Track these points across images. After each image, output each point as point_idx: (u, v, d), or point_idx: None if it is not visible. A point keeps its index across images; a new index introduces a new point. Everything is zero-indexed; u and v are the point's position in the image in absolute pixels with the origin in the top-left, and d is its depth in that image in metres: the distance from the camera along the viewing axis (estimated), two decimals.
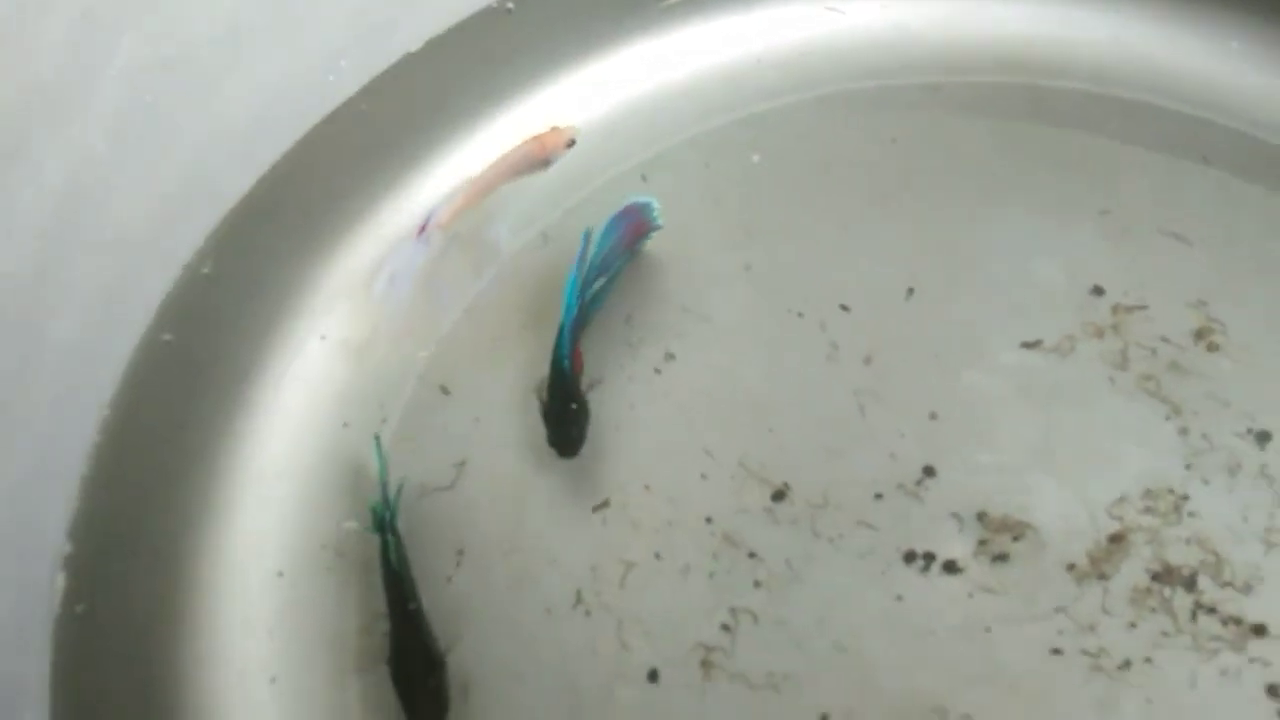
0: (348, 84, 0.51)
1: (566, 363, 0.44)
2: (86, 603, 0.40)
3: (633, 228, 0.48)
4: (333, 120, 0.52)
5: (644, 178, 0.52)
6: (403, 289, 0.49)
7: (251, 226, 0.48)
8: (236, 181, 0.48)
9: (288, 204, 0.49)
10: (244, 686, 0.41)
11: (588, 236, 0.46)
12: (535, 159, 0.50)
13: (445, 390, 0.47)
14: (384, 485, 0.42)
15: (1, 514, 0.39)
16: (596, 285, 0.46)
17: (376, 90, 0.52)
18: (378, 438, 0.44)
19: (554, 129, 0.51)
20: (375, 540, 0.42)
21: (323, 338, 0.47)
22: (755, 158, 0.52)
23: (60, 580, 0.41)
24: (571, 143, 0.50)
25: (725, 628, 0.42)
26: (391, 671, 0.40)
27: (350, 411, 0.46)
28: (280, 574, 0.43)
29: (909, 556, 0.43)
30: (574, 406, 0.45)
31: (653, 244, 0.49)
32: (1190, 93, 0.52)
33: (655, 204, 0.48)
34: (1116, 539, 0.42)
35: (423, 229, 0.49)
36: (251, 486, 0.44)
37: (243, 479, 0.44)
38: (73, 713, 0.38)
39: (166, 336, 0.45)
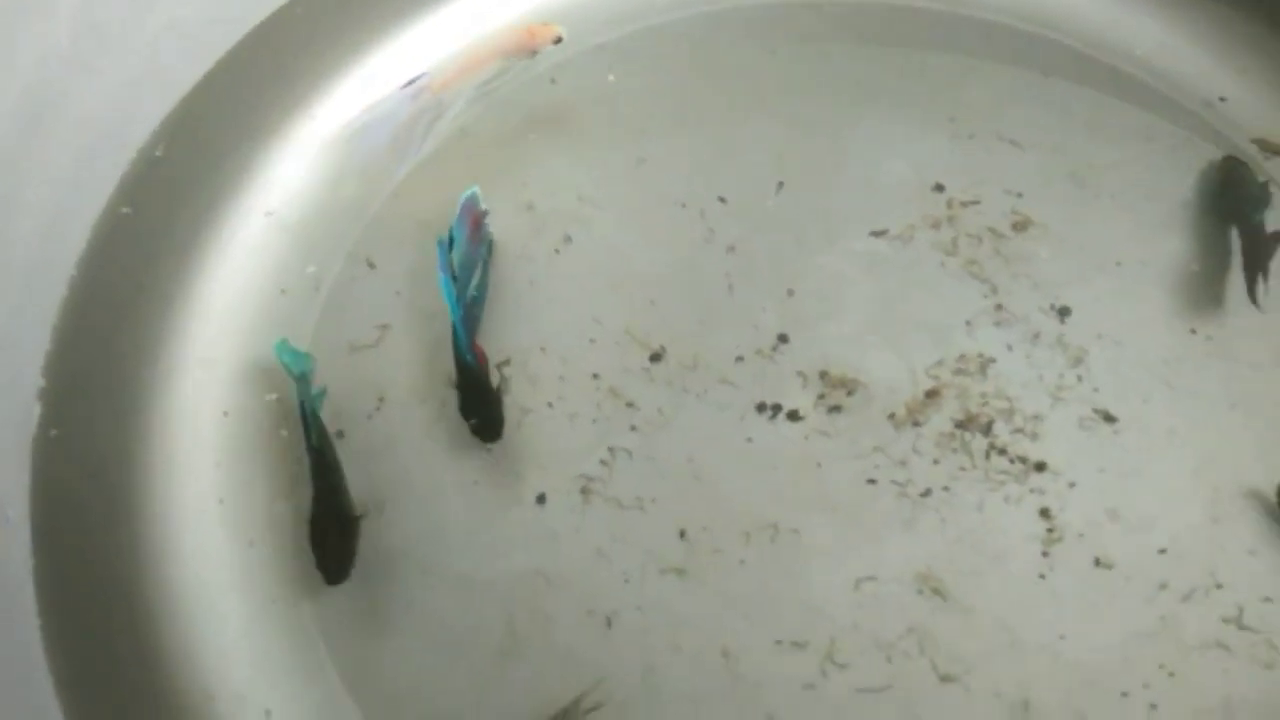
0: None
1: (470, 358, 0.49)
2: (58, 428, 0.48)
3: (473, 219, 0.53)
4: (278, 17, 0.58)
5: (553, 80, 0.58)
6: (375, 137, 0.55)
7: (201, 113, 0.54)
8: (188, 72, 0.54)
9: (234, 93, 0.55)
10: (197, 506, 0.49)
11: (442, 243, 0.49)
12: (524, 47, 0.56)
13: (371, 264, 0.54)
14: (301, 380, 0.48)
15: None
16: (474, 281, 0.51)
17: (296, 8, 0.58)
18: (280, 344, 0.49)
19: (545, 24, 0.57)
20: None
21: (267, 214, 0.54)
22: (653, 65, 0.59)
23: (36, 409, 0.48)
24: (558, 39, 0.56)
25: (603, 463, 0.50)
26: (309, 531, 0.47)
27: (288, 279, 0.53)
28: (226, 414, 0.51)
29: (760, 407, 0.51)
30: (489, 396, 0.50)
31: (555, 134, 0.56)
32: (1032, 13, 0.59)
33: (476, 191, 0.52)
34: (931, 394, 0.51)
35: (410, 84, 0.55)
36: (200, 339, 0.51)
37: (193, 331, 0.51)
38: (48, 513, 0.46)
39: (125, 210, 0.52)
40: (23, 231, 0.49)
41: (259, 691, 0.45)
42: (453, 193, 0.54)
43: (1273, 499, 0.47)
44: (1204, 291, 0.51)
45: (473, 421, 0.50)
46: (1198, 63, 0.57)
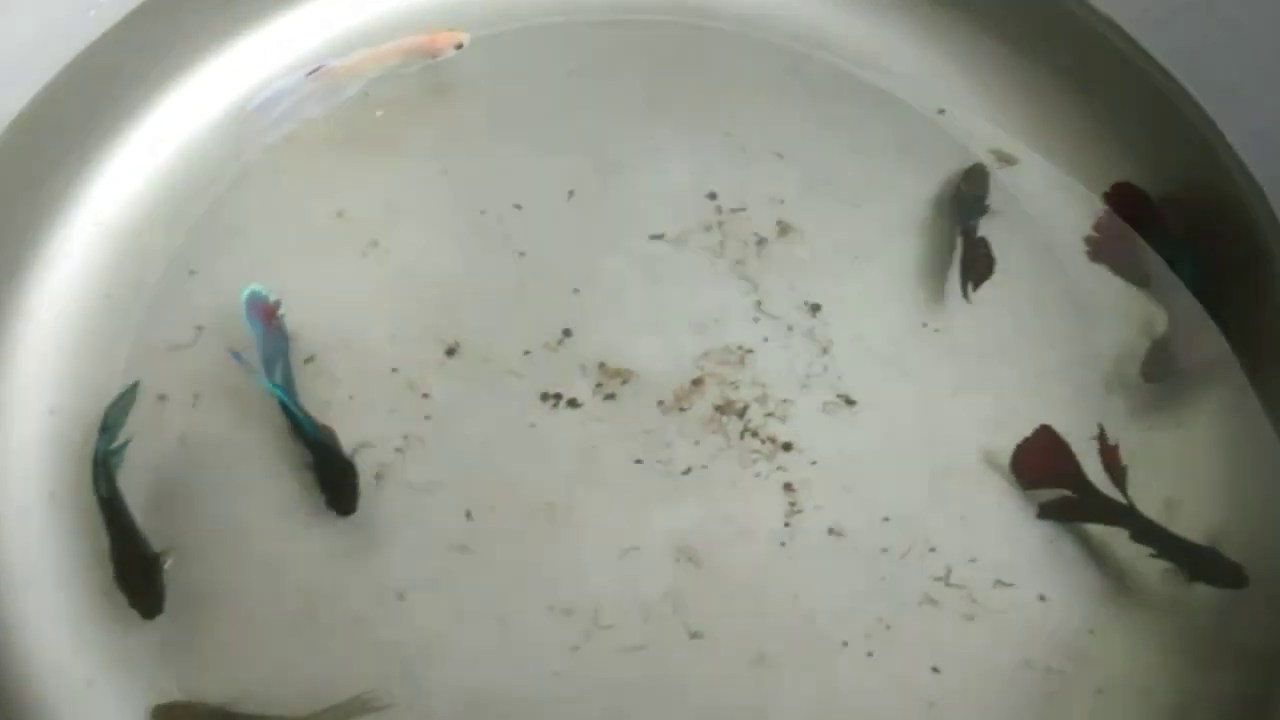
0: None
1: (315, 432, 0.52)
2: None
3: (264, 312, 0.55)
4: (99, 45, 0.61)
5: (366, 94, 0.62)
6: (271, 113, 0.60)
7: (30, 129, 0.58)
8: (20, 88, 0.58)
9: (67, 109, 0.59)
10: (23, 500, 0.53)
11: (236, 355, 0.53)
12: (425, 50, 0.61)
13: (191, 271, 0.58)
14: (105, 431, 0.51)
15: None
16: (279, 368, 0.54)
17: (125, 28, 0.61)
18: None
19: (449, 30, 0.61)
20: None
21: (96, 224, 0.58)
22: (460, 79, 0.63)
23: None
24: (459, 46, 0.61)
25: (398, 450, 0.55)
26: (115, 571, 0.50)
27: (114, 282, 0.57)
28: (51, 411, 0.55)
29: (544, 396, 0.56)
30: (343, 469, 0.52)
31: (368, 146, 0.61)
32: (800, 32, 0.64)
33: (259, 288, 0.55)
34: (697, 382, 0.56)
35: (313, 71, 0.60)
36: (31, 337, 0.55)
37: (26, 330, 0.55)
38: None
39: None
40: None
41: (80, 664, 0.50)
42: (271, 204, 0.59)
43: (985, 472, 0.54)
44: (934, 289, 0.58)
45: (328, 498, 0.52)
46: (938, 73, 0.63)
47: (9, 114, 0.59)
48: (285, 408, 0.53)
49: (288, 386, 0.54)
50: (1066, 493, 0.52)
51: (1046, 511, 0.53)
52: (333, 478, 0.53)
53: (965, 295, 0.56)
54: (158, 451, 0.54)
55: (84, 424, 0.54)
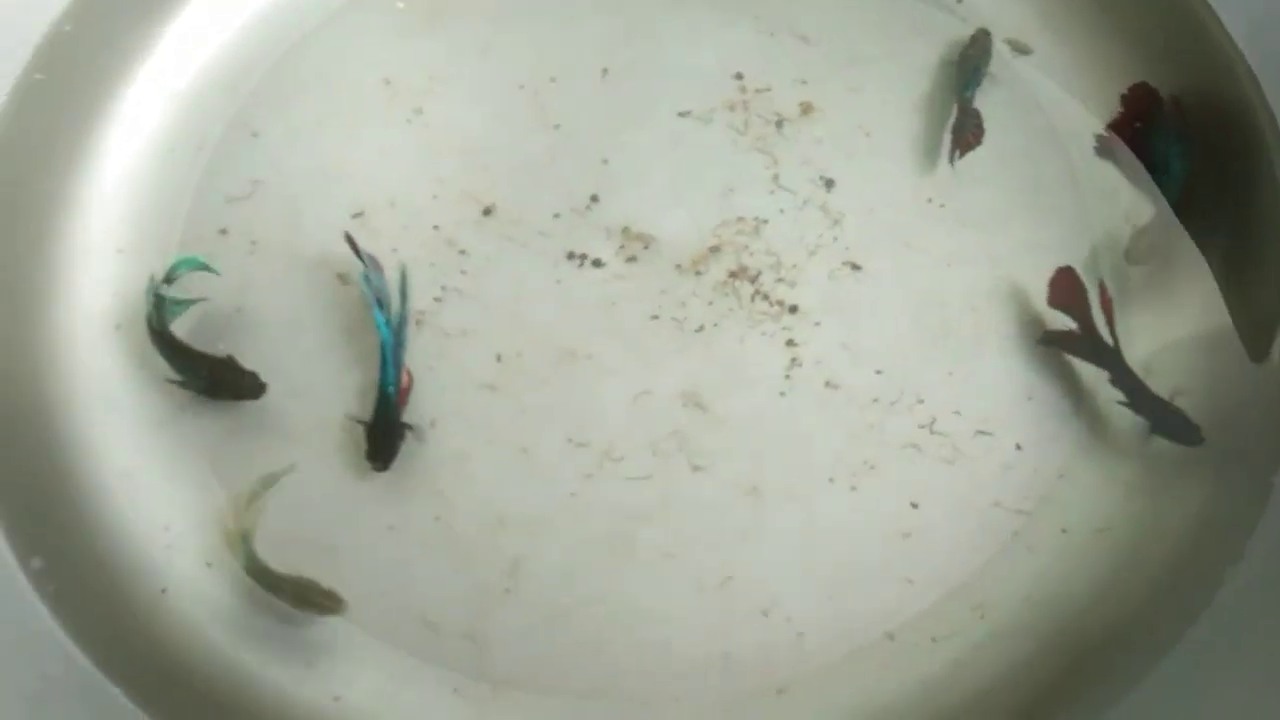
0: None
1: (392, 389, 0.55)
2: None
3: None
4: None
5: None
6: None
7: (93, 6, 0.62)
8: None
9: None
10: (98, 332, 0.58)
11: (368, 278, 0.56)
12: None
13: (257, 135, 0.63)
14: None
15: None
16: (396, 316, 0.57)
17: None
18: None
19: None
20: None
21: (160, 85, 0.63)
22: None
23: None
24: None
25: (436, 300, 0.60)
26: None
27: (178, 139, 0.62)
28: (120, 251, 0.60)
29: (570, 255, 0.60)
30: (393, 429, 0.56)
31: (412, 23, 0.65)
32: None
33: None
34: (714, 249, 0.61)
35: None
36: (103, 186, 0.60)
37: (98, 179, 0.60)
38: None
39: (38, 76, 0.61)
40: None
41: (141, 471, 0.56)
42: (324, 65, 0.64)
43: (974, 335, 0.58)
44: (930, 159, 0.62)
45: (370, 448, 0.55)
46: None
47: None
48: (383, 355, 0.56)
49: (399, 336, 0.57)
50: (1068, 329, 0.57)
51: (1048, 338, 0.57)
52: (383, 432, 0.56)
53: (950, 161, 0.60)
54: (219, 282, 0.59)
55: (146, 262, 0.59)
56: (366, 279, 0.57)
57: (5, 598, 0.50)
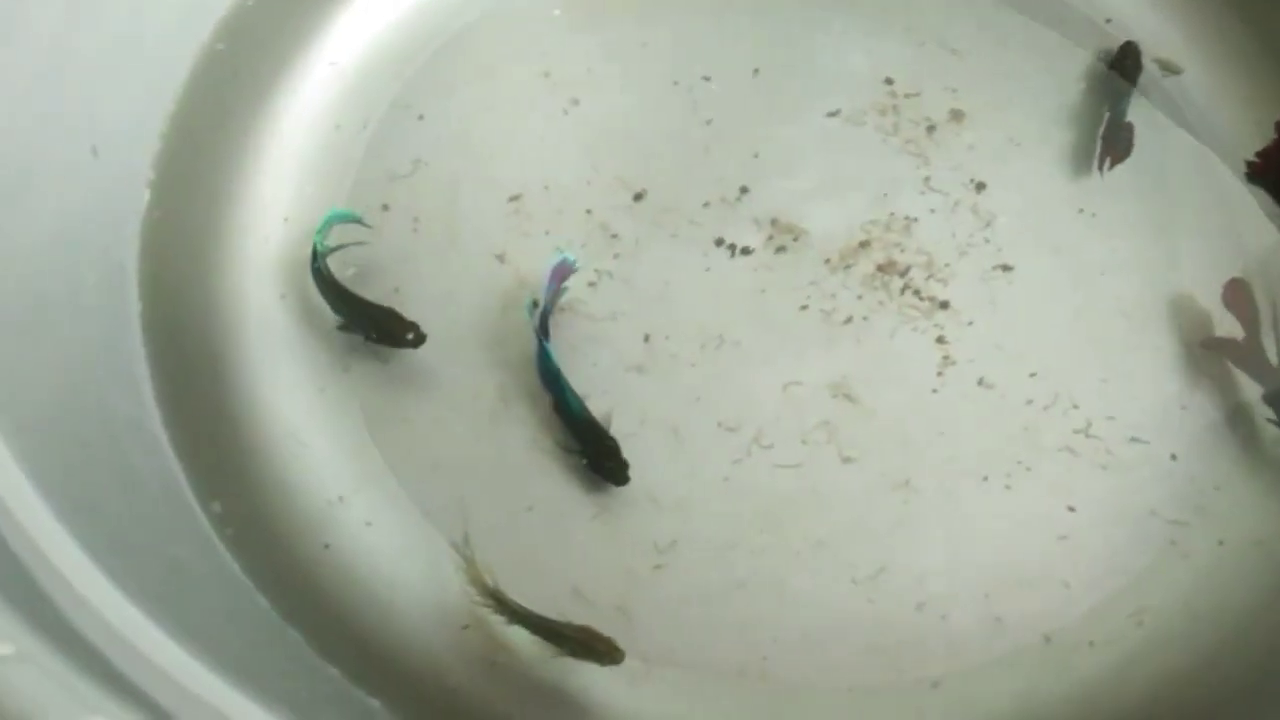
0: None
1: (584, 414, 0.55)
2: (161, 211, 0.59)
3: (561, 275, 0.58)
4: None
5: None
6: None
7: None
8: None
9: None
10: (265, 297, 0.60)
11: (530, 307, 0.56)
12: None
13: (421, 117, 0.65)
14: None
15: (114, 148, 0.58)
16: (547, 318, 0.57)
17: None
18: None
19: None
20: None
21: (331, 64, 0.65)
22: None
23: (146, 195, 0.60)
24: None
25: (590, 284, 0.61)
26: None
27: (344, 116, 0.64)
28: (286, 220, 0.62)
29: (719, 242, 0.61)
30: (610, 442, 0.55)
31: (572, 19, 0.67)
32: None
33: (570, 255, 0.58)
34: (863, 244, 0.61)
35: None
36: (273, 157, 0.62)
37: (269, 149, 0.62)
38: (152, 274, 0.58)
39: (220, 45, 0.63)
40: (145, 53, 0.60)
41: (306, 426, 0.57)
42: (487, 55, 0.66)
43: (1128, 342, 0.58)
44: (1081, 168, 0.62)
45: (608, 475, 0.55)
46: None
47: None
48: (559, 385, 0.56)
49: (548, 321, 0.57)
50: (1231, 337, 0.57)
51: (1210, 343, 0.58)
52: (603, 456, 0.55)
53: (1100, 171, 0.61)
54: (380, 254, 0.60)
55: (310, 232, 0.60)
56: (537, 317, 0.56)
57: (190, 535, 0.52)
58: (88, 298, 0.56)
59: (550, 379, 0.56)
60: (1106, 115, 0.63)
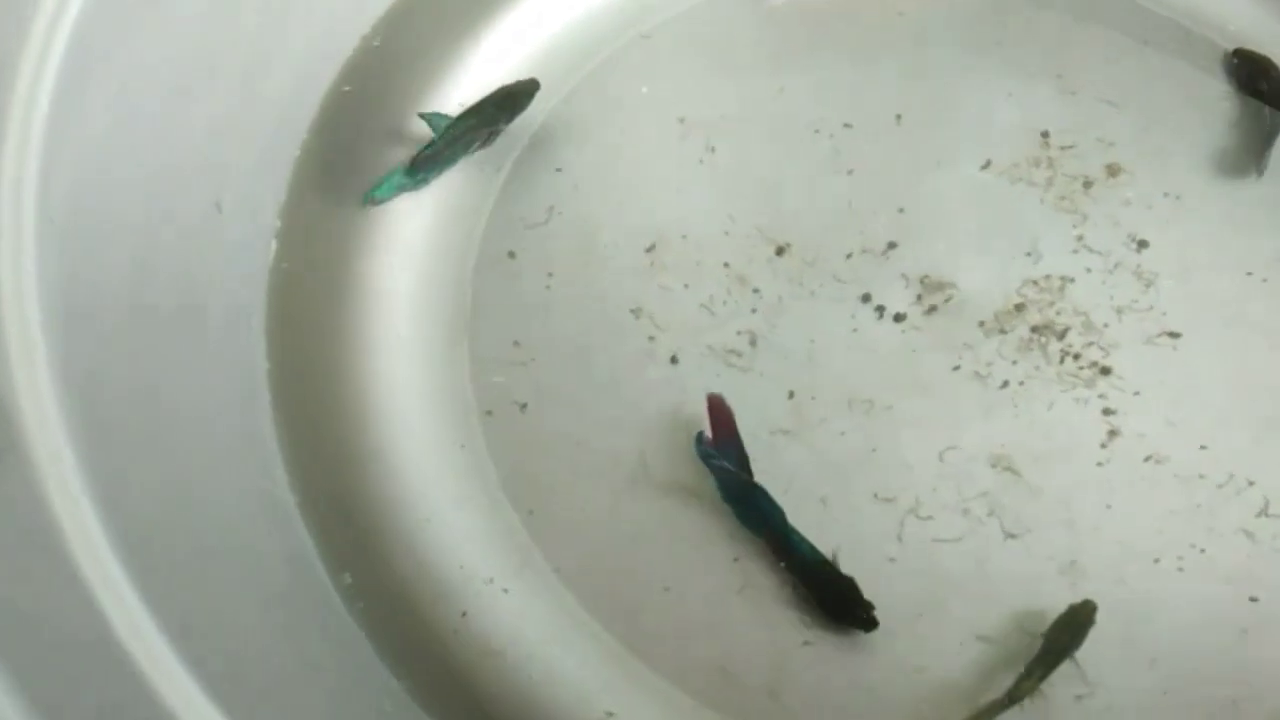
0: None
1: (816, 556, 0.51)
2: (288, 262, 0.58)
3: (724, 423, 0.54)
4: None
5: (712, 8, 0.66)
6: None
7: (413, 11, 0.63)
8: None
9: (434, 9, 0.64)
10: (391, 335, 0.58)
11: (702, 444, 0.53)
12: None
13: (553, 165, 0.63)
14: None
15: (238, 201, 0.56)
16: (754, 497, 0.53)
17: None
18: None
19: None
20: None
21: (460, 104, 0.63)
22: (797, 9, 0.66)
23: (273, 245, 0.58)
24: None
25: (732, 341, 0.58)
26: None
27: (479, 158, 0.62)
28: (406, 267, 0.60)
29: (865, 298, 0.59)
30: (847, 585, 0.51)
31: (707, 64, 0.65)
32: None
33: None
34: (1019, 306, 0.58)
35: None
36: (401, 200, 0.60)
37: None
38: (279, 327, 0.56)
39: (346, 88, 0.62)
40: (268, 101, 0.58)
41: (437, 488, 0.55)
42: (620, 97, 0.64)
43: None
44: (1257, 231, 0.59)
45: (848, 620, 0.52)
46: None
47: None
48: (784, 533, 0.52)
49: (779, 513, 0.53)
50: None
51: None
52: (843, 601, 0.52)
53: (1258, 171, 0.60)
54: (513, 307, 0.58)
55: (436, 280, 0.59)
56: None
57: (320, 609, 0.50)
58: (213, 358, 0.54)
59: (769, 522, 0.52)
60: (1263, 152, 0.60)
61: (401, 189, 0.60)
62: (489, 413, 0.57)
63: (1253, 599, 0.52)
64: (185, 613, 0.42)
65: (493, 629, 0.52)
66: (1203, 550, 0.53)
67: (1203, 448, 0.55)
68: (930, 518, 0.54)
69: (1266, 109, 0.62)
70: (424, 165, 0.59)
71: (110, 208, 0.49)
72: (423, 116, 0.60)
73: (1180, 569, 0.52)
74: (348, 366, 0.57)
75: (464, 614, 0.52)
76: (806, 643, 0.52)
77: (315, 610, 0.50)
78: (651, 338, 0.58)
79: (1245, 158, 0.61)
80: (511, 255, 0.60)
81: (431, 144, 0.59)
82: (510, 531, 0.54)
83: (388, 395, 0.57)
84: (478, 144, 0.61)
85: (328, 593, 0.50)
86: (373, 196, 0.59)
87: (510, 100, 0.61)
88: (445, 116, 0.60)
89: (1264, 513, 0.53)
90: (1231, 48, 0.64)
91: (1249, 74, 0.63)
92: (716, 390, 0.55)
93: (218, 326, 0.54)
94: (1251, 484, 0.54)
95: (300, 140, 0.60)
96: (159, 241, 0.51)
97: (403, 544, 0.53)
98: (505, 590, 0.53)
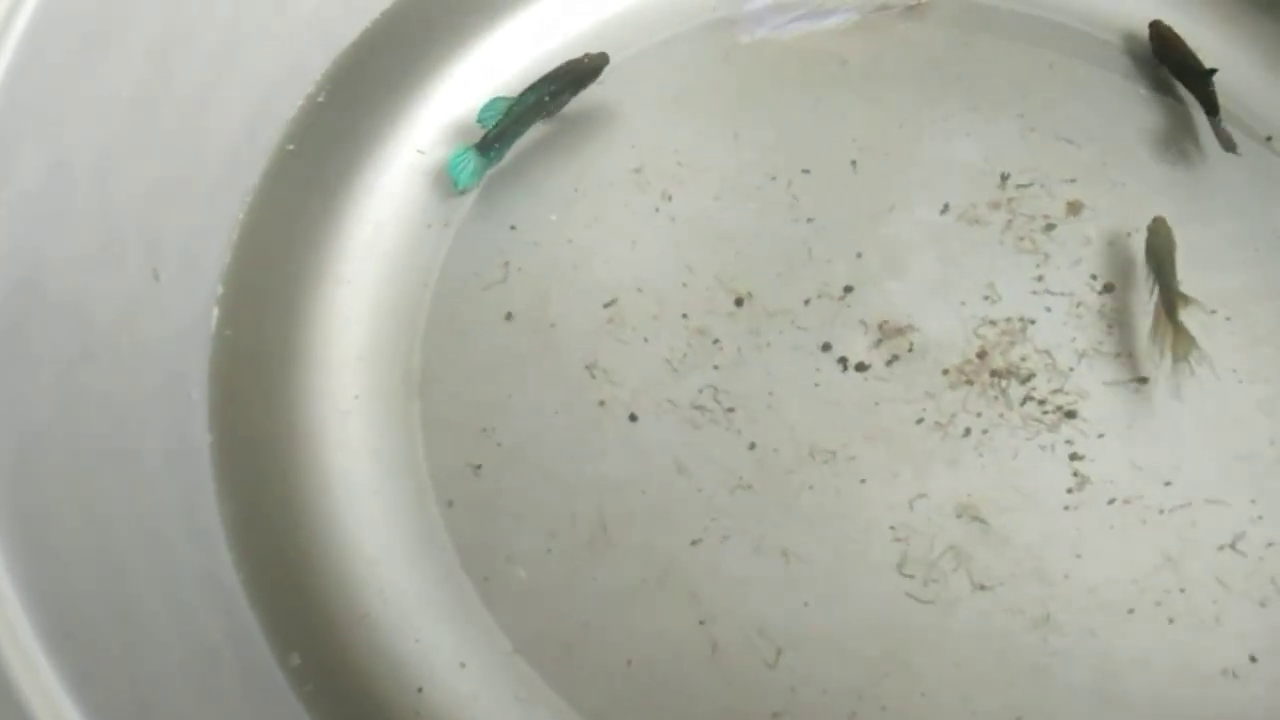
0: None
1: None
2: (232, 329, 0.56)
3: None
4: None
5: (661, 60, 0.65)
6: (762, 22, 0.66)
7: (358, 65, 0.63)
8: (348, 28, 0.63)
9: (388, 48, 0.64)
10: (340, 405, 0.57)
11: None
12: None
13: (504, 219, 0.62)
14: None
15: (176, 267, 0.54)
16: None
17: None
18: None
19: None
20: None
21: (418, 151, 0.62)
22: (751, 53, 0.66)
23: (215, 312, 0.57)
24: None
25: (699, 392, 0.57)
26: None
27: (430, 215, 0.61)
28: (357, 323, 0.59)
29: (825, 347, 0.58)
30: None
31: (661, 108, 0.64)
32: (1104, 19, 0.65)
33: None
34: (981, 354, 0.57)
35: None
36: (350, 259, 0.59)
37: (346, 251, 0.59)
38: (222, 398, 0.55)
39: (290, 147, 0.61)
40: (209, 162, 0.57)
41: (389, 559, 0.54)
42: (574, 153, 0.62)
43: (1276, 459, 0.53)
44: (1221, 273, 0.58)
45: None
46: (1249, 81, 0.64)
47: (344, 41, 0.63)
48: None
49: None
50: None
51: None
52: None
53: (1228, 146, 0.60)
54: (465, 369, 0.57)
55: (392, 338, 0.58)
56: None
57: (265, 696, 0.48)
58: (152, 433, 0.52)
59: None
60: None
61: (486, 168, 0.61)
62: (442, 477, 0.55)
63: (1236, 643, 0.50)
64: (117, 705, 0.40)
65: (451, 706, 0.51)
66: (1178, 597, 0.51)
67: (1173, 491, 0.53)
68: (898, 570, 0.53)
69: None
70: (493, 143, 0.61)
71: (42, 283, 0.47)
72: (482, 117, 0.60)
73: (1169, 619, 0.51)
74: (294, 436, 0.55)
75: (420, 690, 0.51)
76: (775, 714, 0.51)
77: (261, 696, 0.48)
78: (606, 398, 0.57)
79: (1211, 193, 0.61)
80: (462, 316, 0.59)
81: (498, 123, 0.61)
82: (464, 601, 0.52)
83: (337, 465, 0.55)
84: (544, 115, 0.63)
85: (273, 676, 0.49)
86: (459, 188, 0.60)
87: (575, 74, 0.62)
88: (507, 98, 0.61)
89: (1239, 554, 0.52)
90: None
91: (1159, 48, 0.64)
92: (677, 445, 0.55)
93: (157, 400, 0.52)
94: (1228, 531, 0.53)
95: (245, 203, 0.59)
96: (94, 321, 0.50)
97: (354, 620, 0.51)
98: (462, 664, 0.51)
